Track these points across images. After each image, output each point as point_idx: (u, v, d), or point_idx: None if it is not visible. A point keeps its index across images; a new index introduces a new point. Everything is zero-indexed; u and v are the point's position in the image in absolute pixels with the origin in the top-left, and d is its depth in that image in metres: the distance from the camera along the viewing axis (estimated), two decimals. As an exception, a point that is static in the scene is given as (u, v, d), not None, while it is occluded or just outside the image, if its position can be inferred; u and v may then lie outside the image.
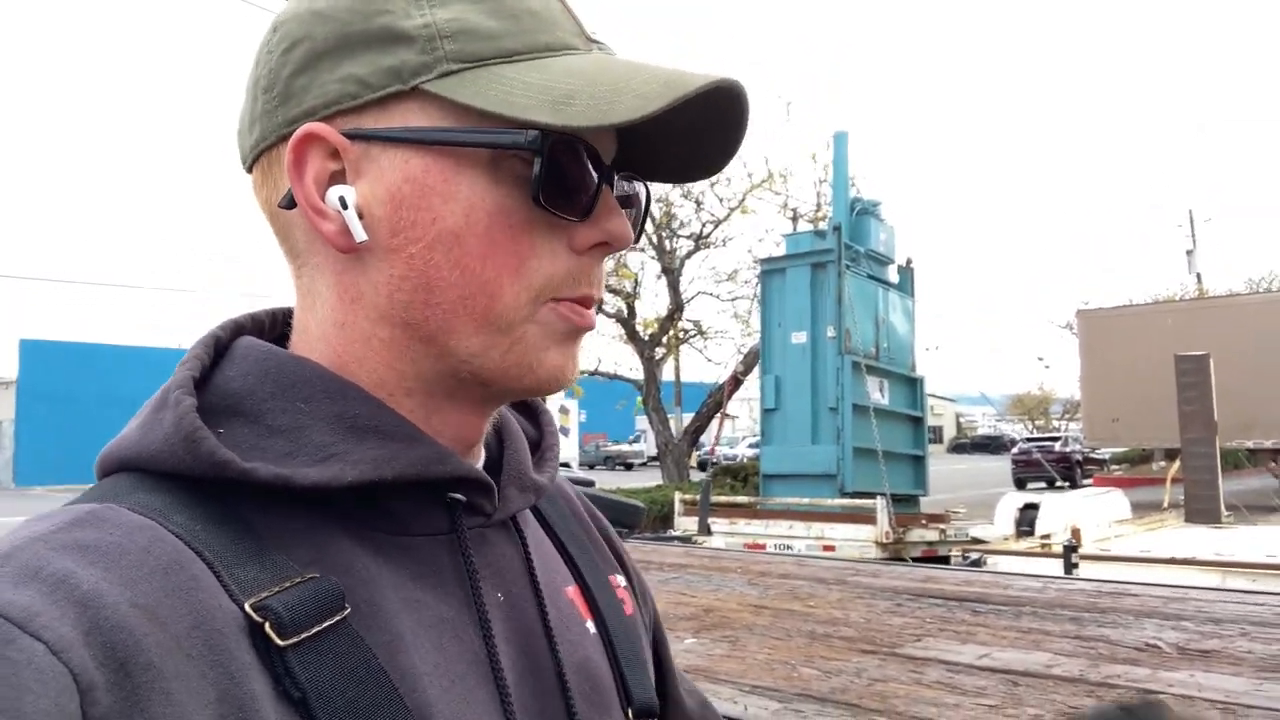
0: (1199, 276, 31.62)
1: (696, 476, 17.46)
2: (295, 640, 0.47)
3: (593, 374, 18.54)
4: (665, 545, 5.67)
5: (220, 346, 0.59)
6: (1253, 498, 12.69)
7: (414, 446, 0.56)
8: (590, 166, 0.56)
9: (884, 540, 8.39)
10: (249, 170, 0.61)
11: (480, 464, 0.64)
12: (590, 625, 0.68)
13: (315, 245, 0.57)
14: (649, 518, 12.24)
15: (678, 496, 10.62)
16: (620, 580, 0.75)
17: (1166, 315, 17.70)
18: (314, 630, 0.48)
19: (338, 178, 0.56)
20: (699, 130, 0.58)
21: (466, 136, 0.54)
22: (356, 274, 0.57)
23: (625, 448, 43.15)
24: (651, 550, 4.80)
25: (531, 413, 0.74)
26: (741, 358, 17.29)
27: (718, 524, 9.29)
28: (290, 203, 0.56)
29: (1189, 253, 32.32)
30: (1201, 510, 10.30)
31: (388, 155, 0.55)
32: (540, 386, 0.58)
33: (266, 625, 0.47)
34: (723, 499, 10.65)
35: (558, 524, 0.74)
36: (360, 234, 0.55)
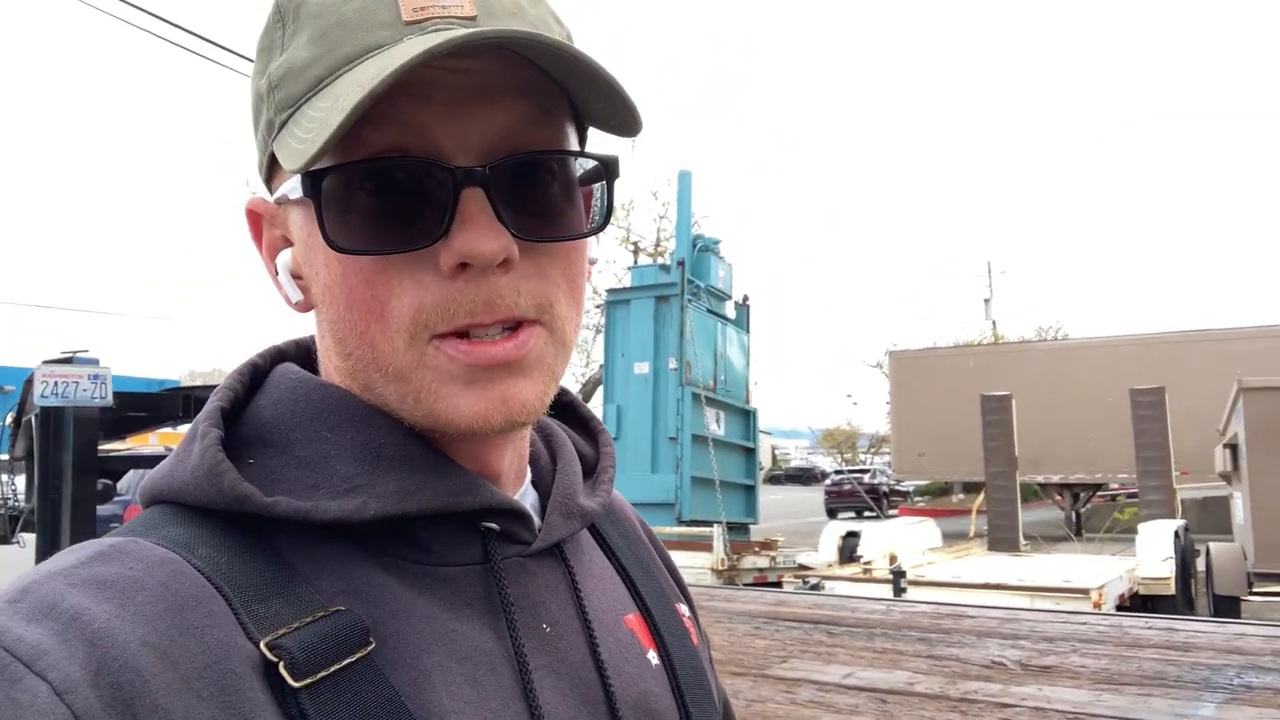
0: (994, 323, 34.40)
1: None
2: (310, 681, 0.46)
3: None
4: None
5: (258, 374, 0.58)
6: (1045, 528, 13.87)
7: (441, 476, 0.54)
8: (422, 179, 0.49)
9: (719, 567, 8.62)
10: None
11: (523, 488, 0.62)
12: (652, 656, 0.64)
13: None
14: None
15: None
16: (685, 609, 0.73)
17: (969, 358, 19.14)
18: (332, 669, 0.46)
19: (287, 241, 0.56)
20: (591, 85, 0.52)
21: (281, 194, 0.53)
22: (319, 326, 0.57)
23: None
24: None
25: (590, 432, 0.71)
26: (581, 386, 17.37)
27: (555, 552, 9.26)
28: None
29: (986, 301, 35.13)
30: (1003, 539, 11.17)
31: (291, 216, 0.55)
32: (465, 434, 0.52)
33: (280, 665, 0.45)
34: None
35: (620, 547, 0.71)
36: (294, 295, 0.56)
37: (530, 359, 0.53)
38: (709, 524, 9.10)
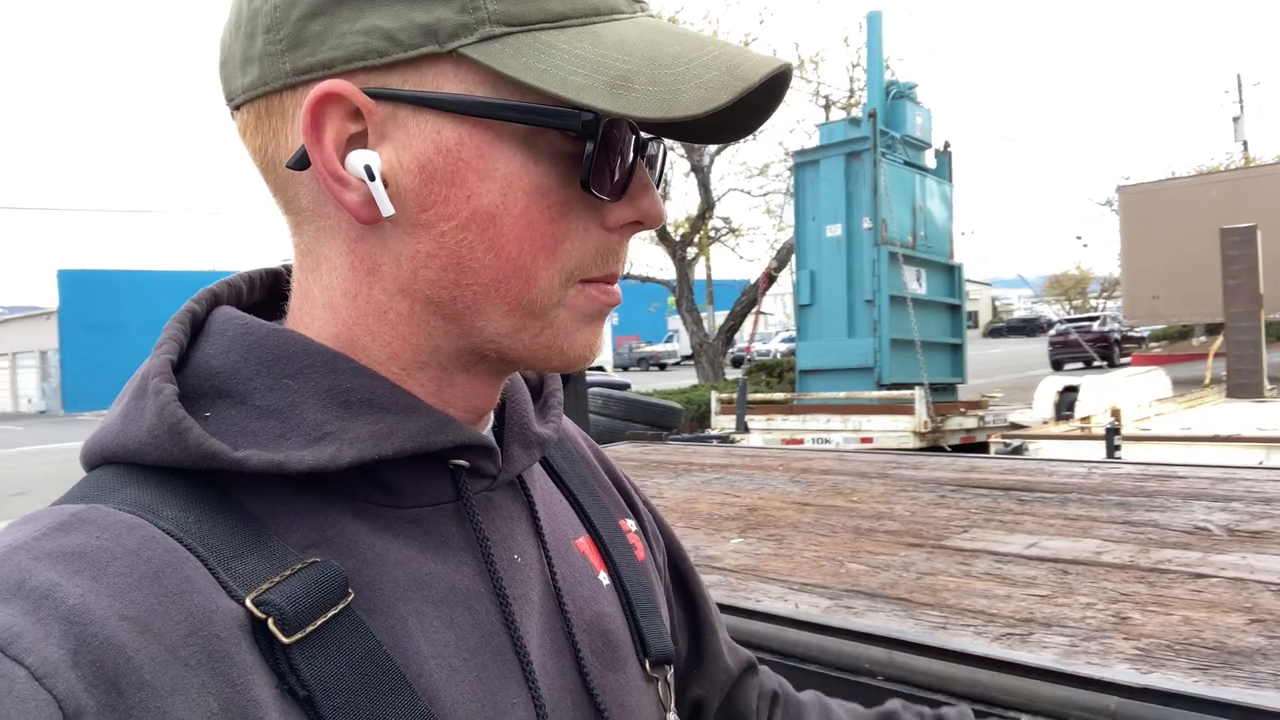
0: (1245, 144, 30.52)
1: (732, 375, 17.53)
2: (300, 636, 0.45)
3: (625, 277, 18.46)
4: (705, 445, 5.73)
5: (197, 321, 0.55)
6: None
7: (413, 417, 0.53)
8: (629, 143, 0.53)
9: (922, 430, 8.41)
10: (236, 109, 0.55)
11: (488, 424, 0.61)
12: (603, 576, 0.66)
13: (325, 208, 0.53)
14: (687, 418, 12.35)
15: (714, 396, 10.65)
16: (630, 525, 0.73)
17: (1211, 187, 17.17)
18: (318, 622, 0.46)
19: (357, 141, 0.51)
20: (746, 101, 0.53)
21: (513, 112, 0.49)
22: (374, 244, 0.52)
23: (659, 348, 43.36)
24: (692, 451, 4.85)
25: None
26: (775, 254, 17.10)
27: (755, 421, 9.35)
28: (300, 163, 0.51)
29: (1235, 119, 31.14)
30: (1244, 385, 10.18)
31: (417, 121, 0.50)
32: (568, 366, 0.57)
33: (270, 622, 0.44)
34: (759, 396, 10.69)
35: (566, 471, 0.71)
36: (388, 208, 0.50)
37: None
38: (911, 387, 8.84)
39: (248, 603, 0.45)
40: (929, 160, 11.38)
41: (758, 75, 0.48)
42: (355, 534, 0.51)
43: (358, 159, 0.50)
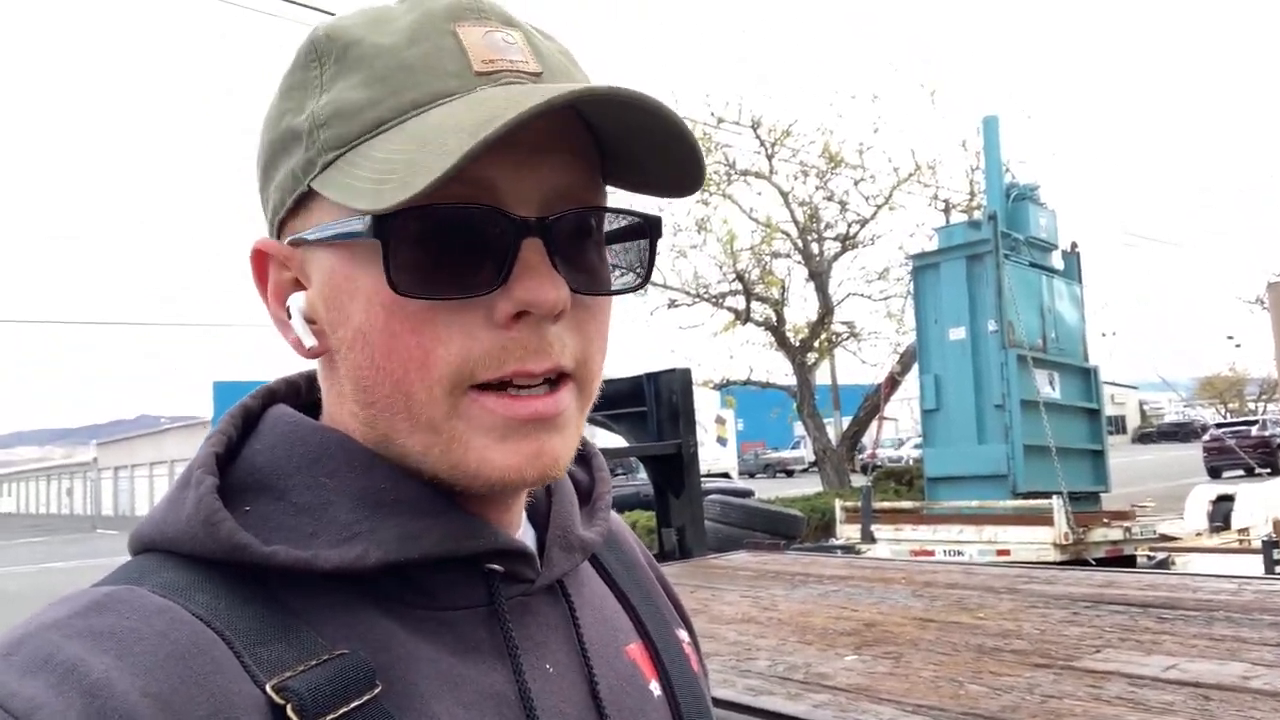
0: None
1: (858, 481, 17.08)
2: None
3: (745, 383, 18.45)
4: (826, 555, 5.57)
5: (250, 417, 0.58)
6: None
7: (443, 520, 0.53)
8: (487, 227, 0.50)
9: (1063, 542, 7.93)
10: None
11: (521, 525, 0.61)
12: (654, 686, 0.64)
13: None
14: (810, 527, 12.04)
15: (839, 503, 10.39)
16: (684, 635, 0.71)
17: (1375, 281, 16.01)
18: (340, 712, 0.46)
19: (299, 285, 0.56)
20: (658, 141, 0.53)
21: (331, 232, 0.52)
22: (333, 370, 0.56)
23: (785, 454, 42.69)
24: (811, 561, 4.73)
25: (582, 455, 0.70)
26: (898, 357, 16.79)
27: (882, 531, 9.04)
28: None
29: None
30: None
31: (314, 257, 0.54)
32: (493, 489, 0.53)
33: (289, 708, 0.45)
34: (886, 505, 10.34)
35: (620, 574, 0.70)
36: (309, 340, 0.55)
37: (565, 415, 0.54)
38: (1048, 495, 8.39)
39: (268, 688, 0.45)
40: (1056, 261, 11.07)
41: (499, 123, 0.45)
42: (387, 632, 0.51)
43: (290, 302, 0.55)
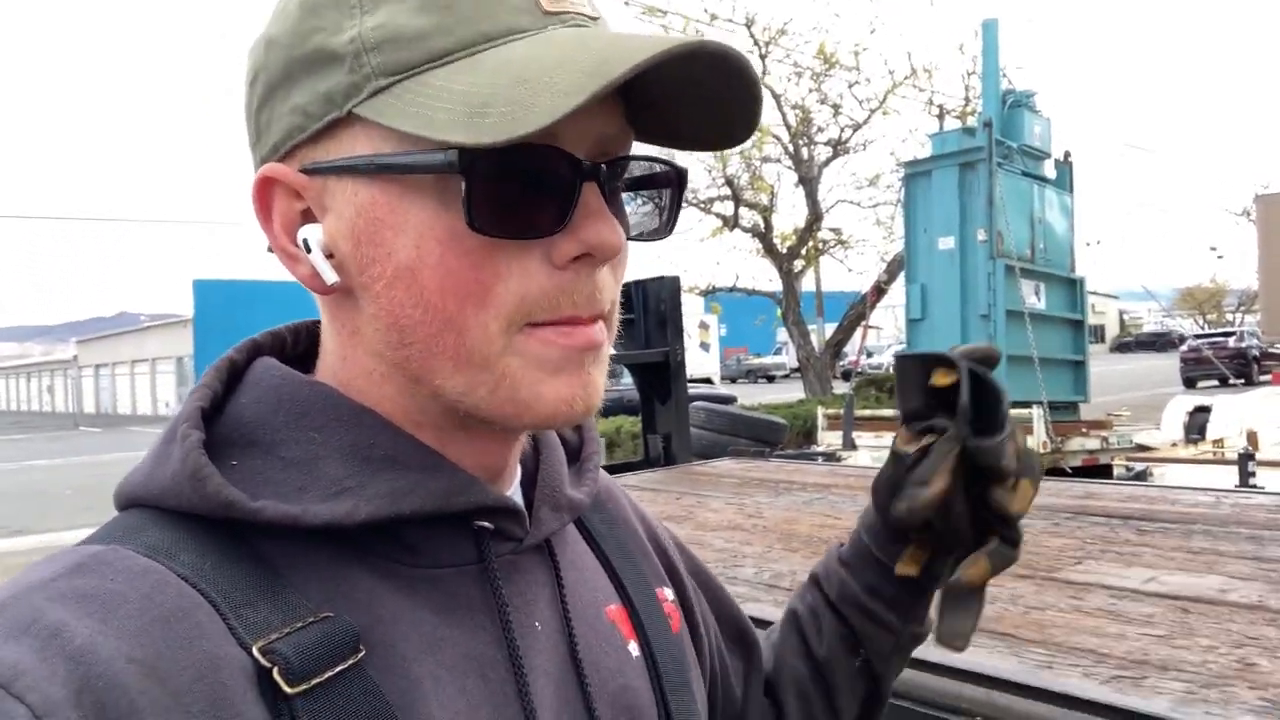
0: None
1: (840, 389, 17.24)
2: (305, 687, 0.45)
3: (731, 289, 18.42)
4: (809, 463, 5.65)
5: (236, 370, 0.57)
6: None
7: (434, 476, 0.52)
8: (557, 169, 0.49)
9: (1041, 451, 8.07)
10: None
11: (514, 484, 0.60)
12: (633, 647, 0.64)
13: None
14: (792, 433, 12.19)
15: (820, 411, 10.48)
16: (668, 594, 0.71)
17: (1363, 194, 16.02)
18: (326, 676, 0.46)
19: (309, 216, 0.52)
20: (709, 94, 0.51)
21: (391, 162, 0.49)
22: (350, 310, 0.53)
23: (767, 361, 43.04)
24: (795, 469, 4.78)
25: None
26: (885, 266, 16.76)
27: (863, 438, 9.16)
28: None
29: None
30: (1403, 410, 9.43)
31: (341, 189, 0.51)
32: (545, 422, 0.53)
33: (275, 671, 0.45)
34: (867, 412, 10.47)
35: (603, 535, 0.69)
36: (330, 276, 0.52)
37: (605, 347, 0.55)
38: (1029, 405, 8.50)
39: (254, 651, 0.45)
40: (1048, 170, 10.96)
41: (624, 68, 0.44)
42: (372, 591, 0.51)
43: (301, 233, 0.52)
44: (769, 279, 18.55)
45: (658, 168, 0.57)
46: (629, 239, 0.55)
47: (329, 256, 0.52)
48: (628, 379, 6.63)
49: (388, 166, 0.49)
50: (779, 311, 18.36)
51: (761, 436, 10.01)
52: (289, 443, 0.52)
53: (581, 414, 0.53)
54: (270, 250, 0.55)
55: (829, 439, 9.67)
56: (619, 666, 0.61)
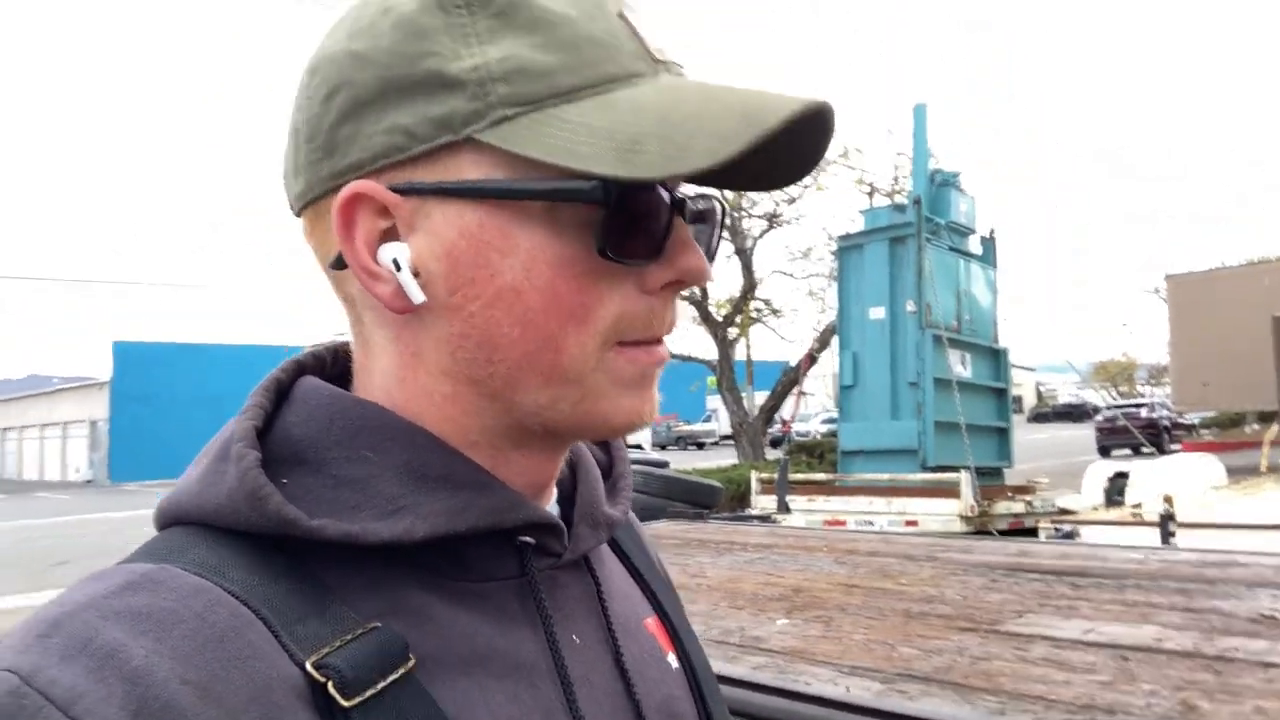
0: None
1: (772, 455, 17.38)
2: (360, 699, 0.45)
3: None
4: (746, 525, 5.66)
5: (282, 389, 0.57)
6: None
7: (486, 495, 0.54)
8: (662, 202, 0.52)
9: (969, 514, 8.24)
10: (298, 215, 0.58)
11: (553, 501, 0.62)
12: (672, 659, 0.65)
13: (371, 299, 0.54)
14: (726, 497, 12.21)
15: (754, 475, 10.55)
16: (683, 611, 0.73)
17: (1262, 276, 16.96)
18: (379, 686, 0.46)
19: (389, 234, 0.53)
20: (780, 144, 0.52)
21: (526, 188, 0.50)
22: (416, 330, 0.54)
23: (697, 427, 43.17)
24: (733, 531, 4.79)
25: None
26: (817, 335, 17.11)
27: (796, 501, 9.23)
28: (340, 263, 0.54)
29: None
30: (1304, 476, 9.88)
31: (441, 210, 0.51)
32: (616, 432, 0.57)
33: (329, 685, 0.45)
34: (801, 476, 10.58)
35: (633, 552, 0.71)
36: (419, 296, 0.52)
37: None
38: (956, 469, 8.69)
39: (308, 666, 0.45)
40: (974, 246, 11.40)
41: (776, 119, 0.47)
42: (421, 604, 0.51)
43: (388, 252, 0.52)
44: (702, 348, 18.78)
45: (714, 203, 0.59)
46: (710, 273, 0.58)
47: (415, 275, 0.53)
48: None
49: (514, 192, 0.50)
50: (712, 378, 18.54)
51: (698, 500, 10.00)
52: (340, 461, 0.53)
53: (645, 424, 0.56)
54: (334, 268, 0.55)
55: (763, 502, 9.73)
56: (661, 677, 0.63)
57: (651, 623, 0.66)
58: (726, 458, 19.61)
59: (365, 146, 0.52)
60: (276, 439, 0.54)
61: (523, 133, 0.49)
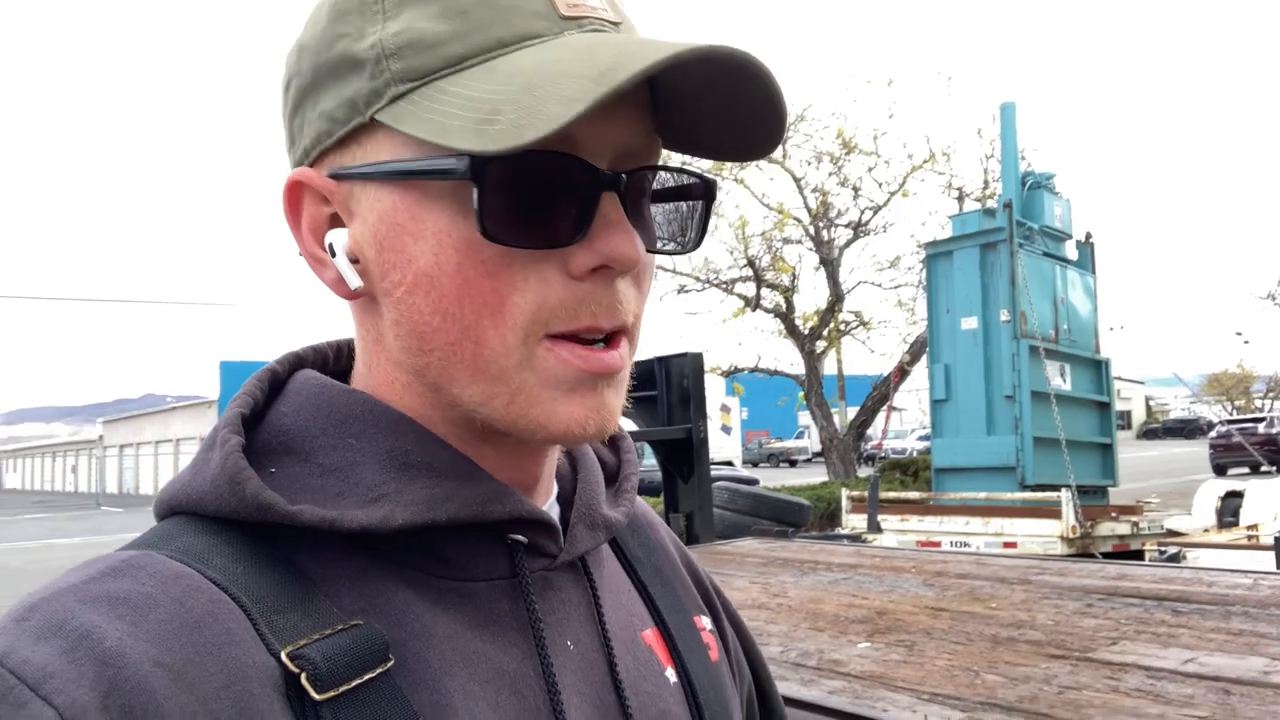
0: None
1: (864, 472, 17.05)
2: (333, 694, 0.44)
3: (753, 370, 18.43)
4: (834, 544, 5.56)
5: (277, 381, 0.57)
6: None
7: (470, 485, 0.52)
8: (574, 178, 0.49)
9: (1070, 535, 7.90)
10: None
11: (549, 500, 0.60)
12: (670, 673, 0.62)
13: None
14: (815, 516, 12.03)
15: (844, 493, 10.36)
16: (706, 622, 0.70)
17: (1390, 279, 15.91)
18: (354, 683, 0.45)
19: (336, 221, 0.53)
20: (727, 100, 0.50)
21: (408, 167, 0.49)
22: (375, 317, 0.54)
23: (789, 444, 42.74)
24: (819, 550, 4.71)
25: (611, 439, 0.68)
26: (908, 347, 16.74)
27: (888, 521, 9.02)
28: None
29: None
30: None
31: (365, 194, 0.51)
32: (557, 440, 0.52)
33: (303, 677, 0.44)
34: (893, 495, 10.32)
35: (640, 560, 0.69)
36: (354, 281, 0.52)
37: (624, 371, 0.54)
38: (1057, 488, 8.36)
39: (283, 656, 0.44)
40: (1070, 252, 10.99)
41: (627, 75, 0.43)
42: (405, 603, 0.50)
43: (330, 238, 0.53)
44: (790, 362, 18.58)
45: (687, 179, 0.55)
46: (661, 252, 0.55)
47: (355, 262, 0.53)
48: (650, 459, 6.60)
49: (405, 173, 0.49)
50: (801, 393, 18.31)
51: (785, 518, 9.89)
52: (326, 449, 0.52)
53: (594, 435, 0.52)
54: (300, 255, 0.56)
55: (853, 521, 9.53)
56: (658, 691, 0.60)
57: (650, 635, 0.64)
58: (818, 475, 19.34)
59: (308, 134, 0.53)
60: (267, 428, 0.54)
61: (411, 109, 0.48)
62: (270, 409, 0.55)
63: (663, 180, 0.55)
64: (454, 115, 0.47)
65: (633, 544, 0.69)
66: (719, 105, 0.51)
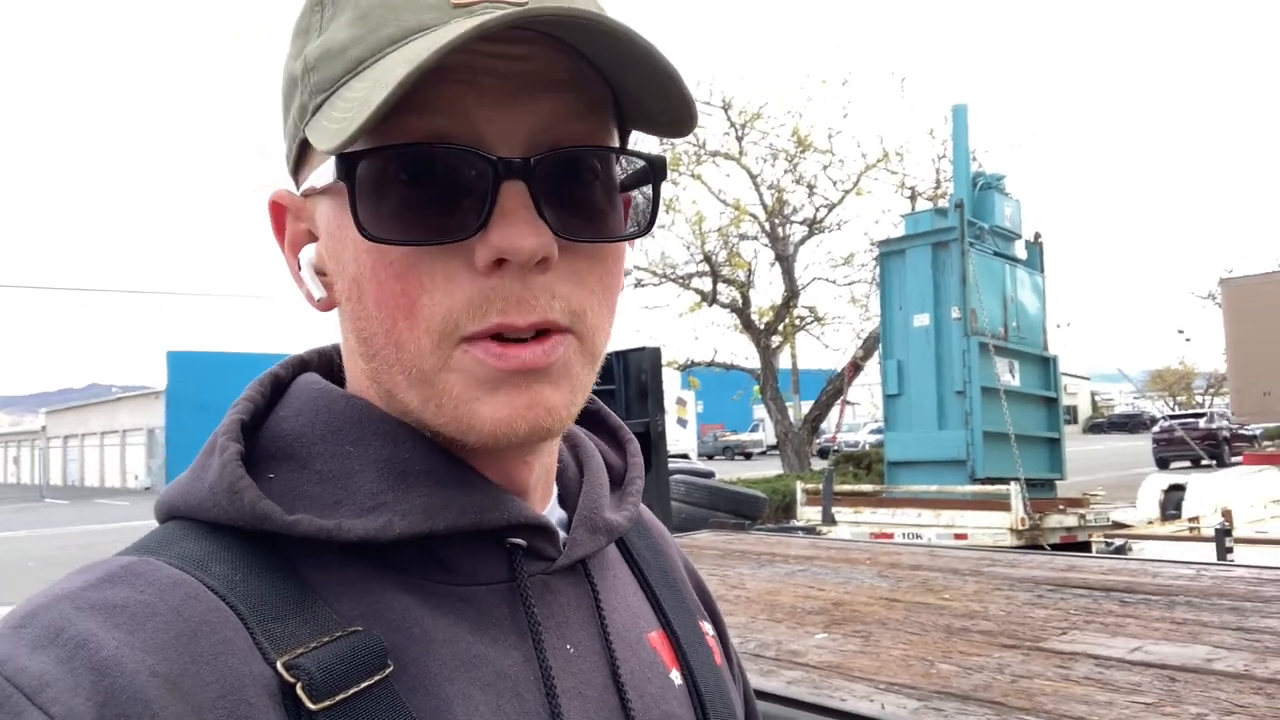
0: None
1: (818, 465, 17.23)
2: (328, 704, 0.44)
3: (709, 364, 18.51)
4: (790, 536, 5.61)
5: (279, 385, 0.57)
6: None
7: (468, 492, 0.52)
8: (462, 169, 0.47)
9: (1019, 527, 8.08)
10: None
11: (549, 503, 0.60)
12: (675, 676, 0.62)
13: None
14: (770, 508, 12.13)
15: (799, 486, 10.47)
16: (708, 627, 0.70)
17: (1325, 279, 16.45)
18: (350, 692, 0.45)
19: (312, 236, 0.54)
20: (646, 76, 0.49)
21: (316, 181, 0.51)
22: (342, 324, 0.55)
23: (744, 437, 42.98)
24: (776, 542, 4.76)
25: (618, 441, 0.69)
26: (861, 343, 16.94)
27: (842, 513, 9.13)
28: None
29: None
30: (1373, 488, 9.51)
31: (319, 207, 0.53)
32: (491, 442, 0.50)
33: (298, 687, 0.44)
34: (847, 488, 10.47)
35: (648, 562, 0.68)
36: (317, 292, 0.53)
37: (558, 366, 0.50)
38: (1006, 481, 8.53)
39: (278, 665, 0.44)
40: (1019, 251, 11.20)
41: (431, 49, 0.42)
42: (404, 609, 0.50)
43: (302, 254, 0.54)
44: (746, 356, 18.69)
45: (631, 164, 0.53)
46: (602, 239, 0.52)
47: (322, 274, 0.54)
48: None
49: (320, 186, 0.51)
50: (756, 387, 18.44)
51: (741, 510, 9.95)
52: (324, 456, 0.52)
53: (526, 435, 0.50)
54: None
55: (808, 514, 9.64)
56: (661, 693, 0.59)
57: (655, 637, 0.63)
58: (773, 468, 19.48)
59: (287, 154, 0.55)
60: (267, 434, 0.54)
61: (318, 119, 0.49)
62: (272, 414, 0.55)
63: (632, 165, 0.53)
64: (336, 120, 0.46)
65: (640, 546, 0.69)
66: (638, 80, 0.49)
